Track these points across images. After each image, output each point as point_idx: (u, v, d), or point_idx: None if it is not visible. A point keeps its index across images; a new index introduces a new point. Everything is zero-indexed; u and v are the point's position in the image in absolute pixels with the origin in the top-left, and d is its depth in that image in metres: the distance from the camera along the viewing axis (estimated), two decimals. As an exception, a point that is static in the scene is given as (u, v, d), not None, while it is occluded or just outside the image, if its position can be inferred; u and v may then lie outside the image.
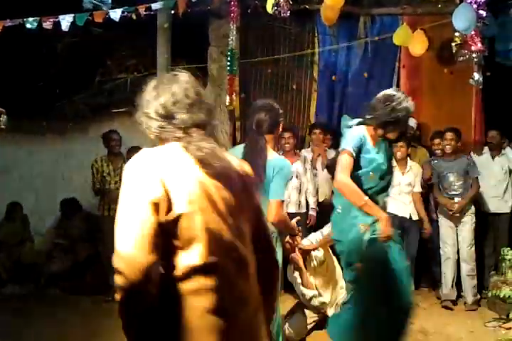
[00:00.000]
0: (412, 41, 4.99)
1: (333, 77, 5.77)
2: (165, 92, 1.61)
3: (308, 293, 3.94)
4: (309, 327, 4.07)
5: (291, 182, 5.10)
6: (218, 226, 1.46)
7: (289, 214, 4.97)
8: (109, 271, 5.37)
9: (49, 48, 6.21)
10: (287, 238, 3.55)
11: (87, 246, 5.89)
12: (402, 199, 4.91)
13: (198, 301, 1.40)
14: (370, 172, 3.03)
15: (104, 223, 5.41)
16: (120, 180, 5.28)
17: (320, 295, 3.99)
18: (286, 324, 4.07)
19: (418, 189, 4.99)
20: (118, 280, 1.35)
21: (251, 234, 1.57)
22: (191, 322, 1.39)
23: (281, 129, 3.19)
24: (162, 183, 1.42)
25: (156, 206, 1.39)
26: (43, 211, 6.31)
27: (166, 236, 1.40)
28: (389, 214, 4.78)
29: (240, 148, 3.11)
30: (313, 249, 4.16)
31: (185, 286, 1.41)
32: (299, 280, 4.04)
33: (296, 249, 3.95)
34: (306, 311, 4.10)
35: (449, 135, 4.81)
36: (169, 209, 1.41)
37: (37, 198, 6.38)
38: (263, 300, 1.57)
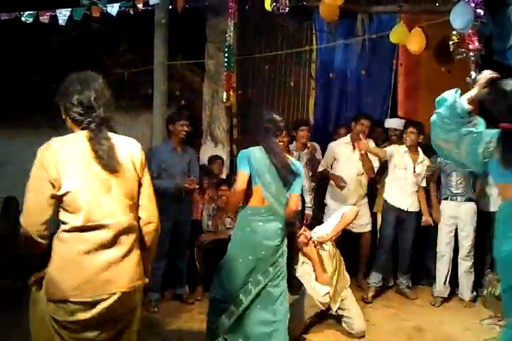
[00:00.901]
0: (410, 39, 5.00)
1: (331, 75, 5.78)
2: (89, 88, 2.11)
3: (323, 289, 3.87)
4: (307, 322, 4.08)
5: None
6: (99, 200, 2.04)
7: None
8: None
9: (46, 43, 6.17)
10: (302, 230, 3.85)
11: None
12: (406, 189, 4.85)
13: (77, 246, 2.03)
14: None
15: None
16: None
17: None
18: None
19: (424, 184, 4.95)
20: (21, 230, 2.00)
21: (134, 202, 2.16)
22: (70, 258, 2.03)
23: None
24: (57, 168, 1.99)
25: (52, 184, 1.99)
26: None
27: (60, 204, 2.03)
28: (387, 205, 4.87)
29: (257, 150, 3.53)
30: (324, 242, 4.11)
31: (70, 236, 2.04)
32: (312, 275, 3.96)
33: (310, 242, 3.96)
34: (304, 305, 4.10)
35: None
36: (60, 187, 1.99)
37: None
38: (143, 248, 2.22)
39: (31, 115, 6.13)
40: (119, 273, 2.07)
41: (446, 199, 4.83)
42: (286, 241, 3.53)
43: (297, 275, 4.04)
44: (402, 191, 4.87)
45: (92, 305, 2.01)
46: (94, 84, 2.12)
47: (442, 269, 4.81)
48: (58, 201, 2.02)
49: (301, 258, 4.06)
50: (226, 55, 5.22)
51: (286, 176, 3.46)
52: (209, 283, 5.13)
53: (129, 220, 2.13)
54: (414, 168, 4.86)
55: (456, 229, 4.78)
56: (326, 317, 4.26)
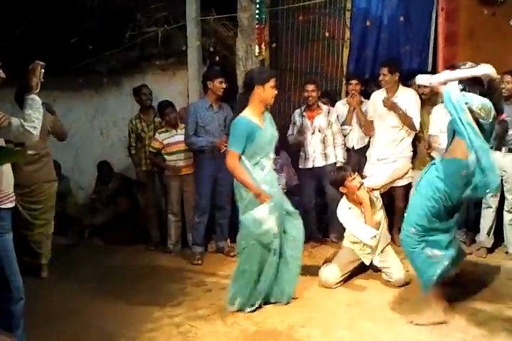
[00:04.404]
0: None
1: (368, 23, 5.57)
2: None
3: (371, 232, 3.95)
4: (345, 276, 4.16)
5: (315, 136, 5.09)
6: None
7: (317, 168, 5.06)
8: (148, 222, 5.56)
9: (79, 3, 6.17)
10: (355, 175, 4.08)
11: (125, 199, 6.08)
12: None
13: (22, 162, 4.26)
14: None
15: (142, 177, 5.56)
16: (154, 134, 5.45)
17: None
18: (322, 271, 4.18)
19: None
20: None
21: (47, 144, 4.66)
22: (19, 167, 3.99)
23: (264, 89, 3.52)
24: None
25: None
26: (83, 166, 6.51)
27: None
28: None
29: None
30: (372, 190, 4.20)
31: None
32: (360, 219, 4.07)
33: (362, 187, 4.09)
34: (344, 260, 4.18)
35: (508, 77, 4.53)
36: None
37: (76, 154, 6.56)
38: None
39: (70, 78, 6.22)
40: (41, 174, 4.52)
41: (491, 149, 4.66)
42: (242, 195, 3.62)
43: (341, 221, 4.13)
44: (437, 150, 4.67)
45: (28, 186, 4.41)
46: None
47: (487, 220, 4.72)
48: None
49: (348, 203, 4.17)
50: (258, 6, 5.11)
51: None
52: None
53: (47, 150, 4.59)
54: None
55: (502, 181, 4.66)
56: (366, 268, 4.32)
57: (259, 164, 3.55)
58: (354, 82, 5.25)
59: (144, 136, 5.43)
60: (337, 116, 5.24)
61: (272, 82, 3.52)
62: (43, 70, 2.81)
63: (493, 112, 3.17)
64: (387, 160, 4.95)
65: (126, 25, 6.33)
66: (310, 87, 5.06)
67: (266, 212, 3.47)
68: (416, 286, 4.03)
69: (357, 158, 5.29)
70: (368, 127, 5.13)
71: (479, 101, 3.12)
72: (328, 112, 5.17)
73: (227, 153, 3.62)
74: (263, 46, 5.15)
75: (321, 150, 5.15)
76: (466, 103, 3.10)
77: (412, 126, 4.90)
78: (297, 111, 5.30)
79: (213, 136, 4.84)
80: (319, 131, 5.13)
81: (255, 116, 3.55)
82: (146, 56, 6.29)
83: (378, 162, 4.97)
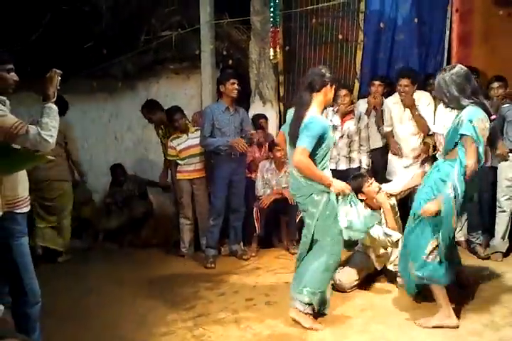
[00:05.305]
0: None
1: (381, 24, 5.53)
2: None
3: (395, 235, 3.91)
4: (360, 280, 4.13)
5: (341, 140, 5.07)
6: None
7: (339, 171, 4.99)
8: (165, 226, 5.59)
9: (93, 8, 6.24)
10: (372, 180, 4.04)
11: (140, 203, 6.10)
12: None
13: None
14: None
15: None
16: (166, 144, 5.34)
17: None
18: (337, 274, 4.15)
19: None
20: None
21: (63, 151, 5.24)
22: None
23: (331, 91, 3.43)
24: None
25: None
26: (97, 170, 6.54)
27: None
28: None
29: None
30: (390, 196, 4.18)
31: None
32: (383, 221, 4.05)
33: (382, 191, 4.08)
34: (360, 264, 4.16)
35: None
36: None
37: (91, 158, 6.61)
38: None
39: (85, 82, 6.28)
40: (53, 173, 4.99)
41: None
42: (314, 199, 3.33)
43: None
44: None
45: (41, 183, 4.91)
46: None
47: (501, 224, 4.65)
48: None
49: (368, 210, 4.12)
50: (271, 10, 5.11)
51: (292, 132, 3.34)
52: (264, 240, 5.33)
53: (57, 151, 4.68)
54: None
55: None
56: (381, 272, 4.29)
57: (327, 168, 3.42)
58: (377, 83, 5.18)
59: (163, 141, 5.49)
60: (367, 124, 5.12)
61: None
62: (60, 78, 2.83)
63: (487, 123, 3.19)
64: (412, 165, 4.95)
65: (140, 29, 6.38)
66: (343, 92, 4.88)
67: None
68: (430, 290, 4.00)
69: (375, 158, 5.24)
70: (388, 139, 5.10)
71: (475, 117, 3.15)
72: (359, 118, 5.07)
73: (296, 150, 3.22)
74: (277, 49, 5.14)
75: (345, 154, 5.08)
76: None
77: (424, 128, 4.81)
78: (330, 109, 5.09)
79: (229, 138, 4.84)
80: (348, 136, 5.05)
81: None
82: (161, 60, 6.34)
83: (402, 169, 4.96)
